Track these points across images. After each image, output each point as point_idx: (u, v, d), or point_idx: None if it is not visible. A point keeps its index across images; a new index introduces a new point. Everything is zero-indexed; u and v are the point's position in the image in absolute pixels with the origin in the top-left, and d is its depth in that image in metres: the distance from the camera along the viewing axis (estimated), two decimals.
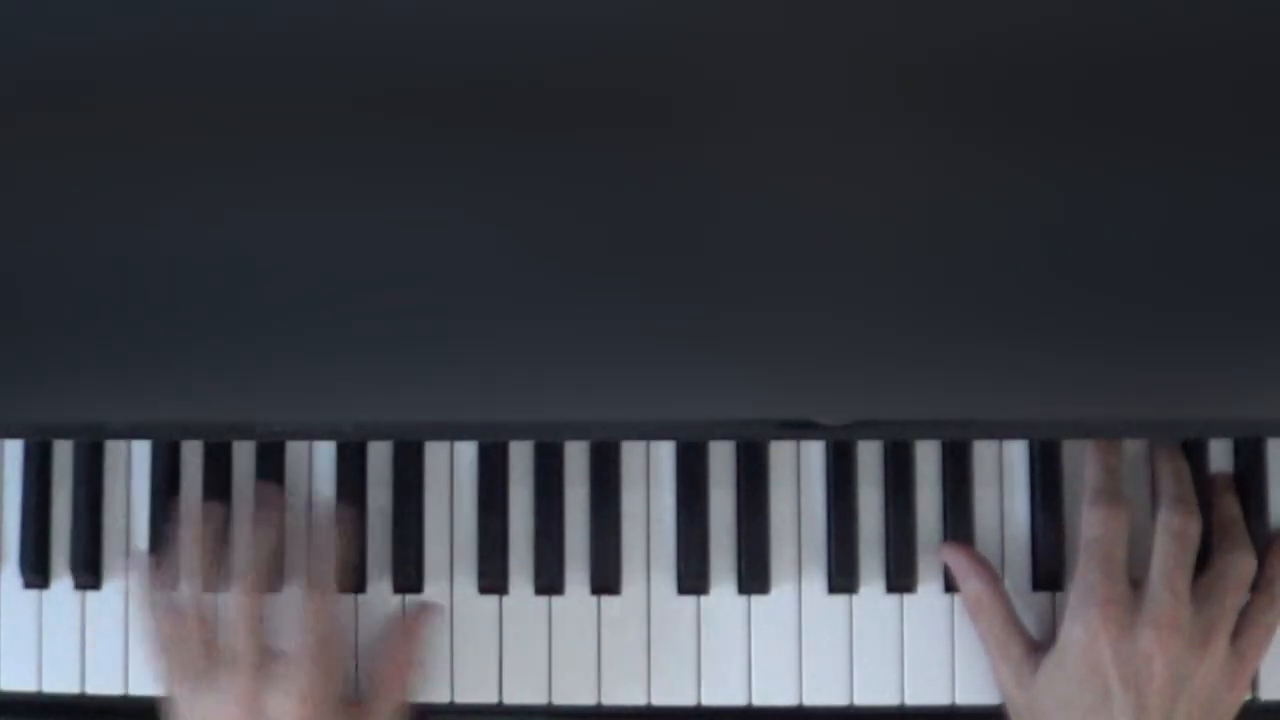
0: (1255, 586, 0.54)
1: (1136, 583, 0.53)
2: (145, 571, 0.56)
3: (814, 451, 0.58)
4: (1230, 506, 0.55)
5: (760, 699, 0.56)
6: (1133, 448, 0.57)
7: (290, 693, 0.52)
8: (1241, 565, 0.53)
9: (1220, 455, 0.57)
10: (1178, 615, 0.51)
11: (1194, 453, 0.57)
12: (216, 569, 0.56)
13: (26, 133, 0.37)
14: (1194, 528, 0.53)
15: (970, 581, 0.55)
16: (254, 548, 0.55)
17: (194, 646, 0.54)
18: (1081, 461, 0.56)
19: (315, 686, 0.52)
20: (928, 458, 0.57)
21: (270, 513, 0.57)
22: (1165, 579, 0.52)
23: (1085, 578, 0.52)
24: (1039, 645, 0.54)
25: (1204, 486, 0.56)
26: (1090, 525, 0.53)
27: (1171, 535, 0.53)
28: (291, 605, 0.54)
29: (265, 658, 0.53)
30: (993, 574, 0.55)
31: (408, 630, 0.56)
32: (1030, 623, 0.56)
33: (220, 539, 0.57)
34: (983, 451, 0.57)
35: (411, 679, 0.56)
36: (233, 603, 0.54)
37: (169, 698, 0.54)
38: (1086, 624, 0.51)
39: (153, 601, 0.56)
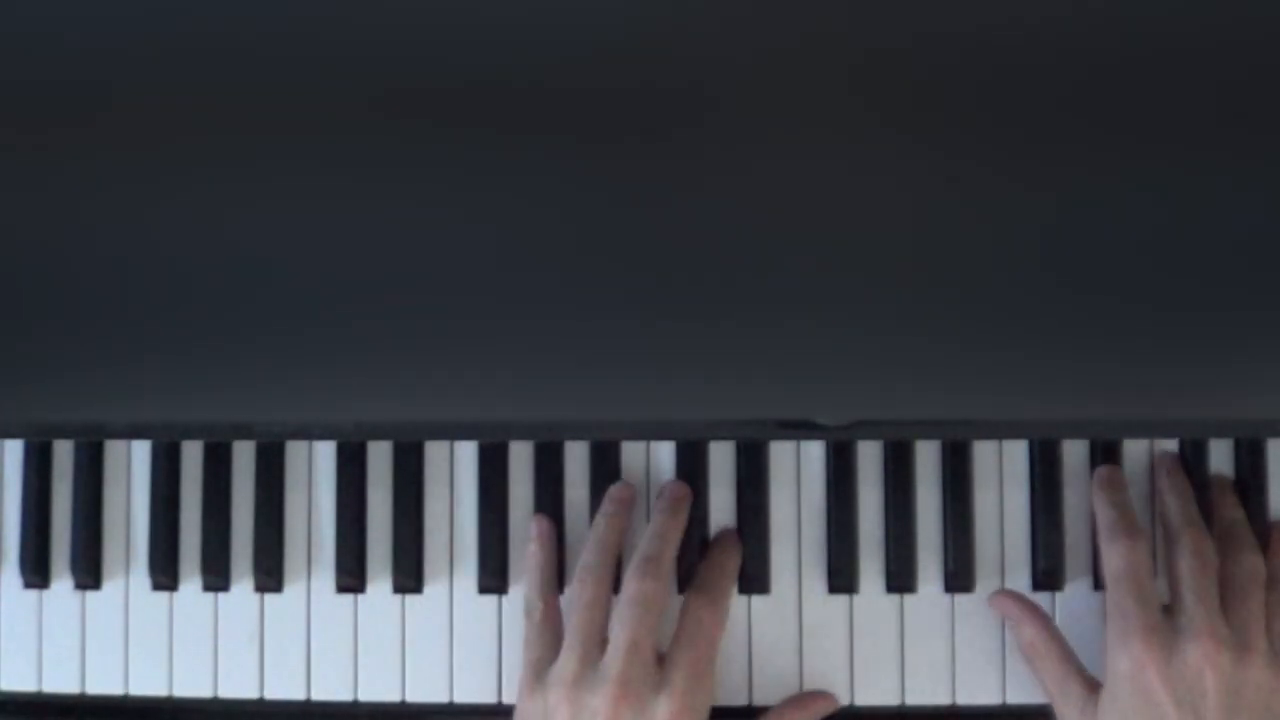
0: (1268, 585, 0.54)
1: (1166, 607, 0.53)
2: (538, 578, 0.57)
3: (814, 451, 0.58)
4: (1233, 509, 0.56)
5: (761, 699, 0.56)
6: (1130, 466, 0.57)
7: (673, 695, 0.52)
8: (1254, 565, 0.53)
9: (1220, 455, 0.57)
10: (1216, 627, 0.51)
11: (1194, 453, 0.57)
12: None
13: (28, 133, 0.37)
14: (1208, 542, 0.54)
15: (1024, 628, 0.55)
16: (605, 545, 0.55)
17: (592, 640, 0.54)
18: (1090, 499, 0.56)
19: (699, 695, 0.52)
20: (928, 458, 0.57)
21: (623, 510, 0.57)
22: (1196, 595, 0.52)
23: (1119, 610, 0.52)
24: (1098, 683, 0.54)
25: (1203, 490, 0.56)
26: (1112, 559, 0.53)
27: (1191, 552, 0.53)
28: (682, 611, 0.54)
29: (659, 657, 0.53)
30: (1045, 618, 0.55)
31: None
32: None
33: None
34: (983, 451, 0.57)
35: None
36: (630, 595, 0.54)
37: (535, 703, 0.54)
38: (1131, 656, 0.51)
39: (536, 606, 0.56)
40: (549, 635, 0.55)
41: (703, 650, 0.53)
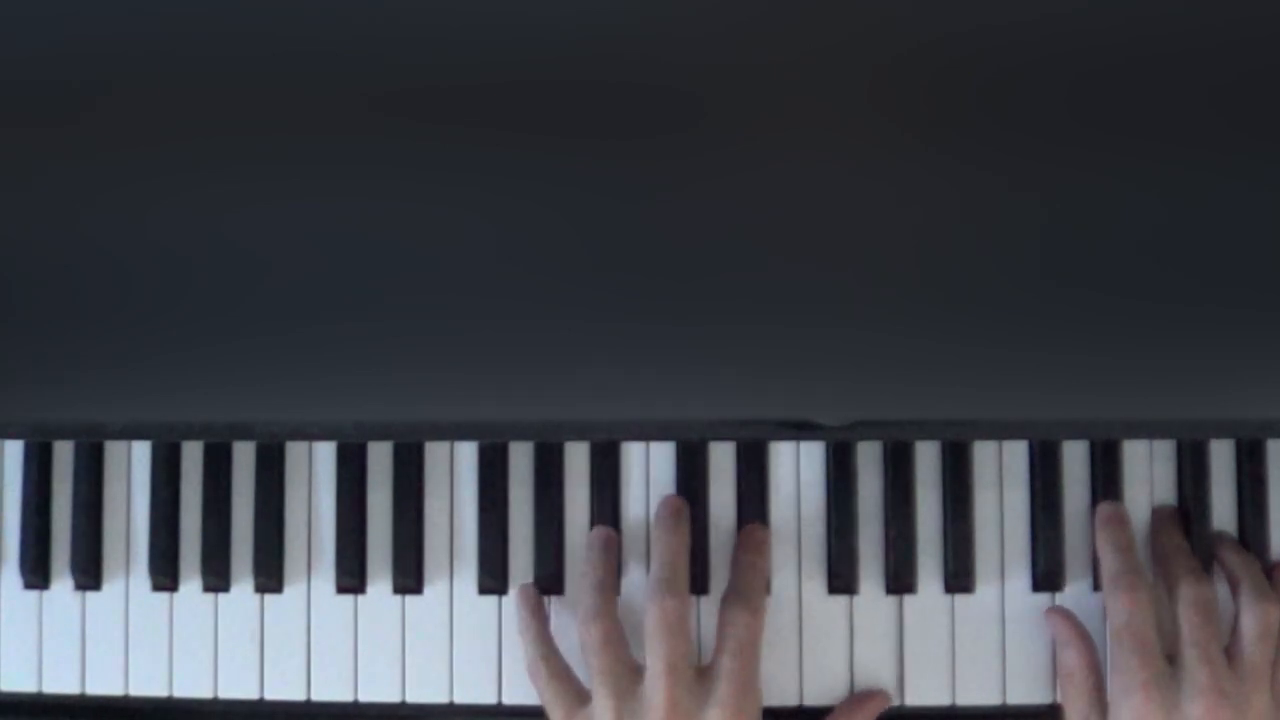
0: None
1: (1170, 657, 0.53)
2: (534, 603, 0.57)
3: (814, 451, 0.58)
4: (1240, 565, 0.55)
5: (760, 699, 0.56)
6: (1130, 464, 0.57)
7: (725, 707, 0.51)
8: (1264, 614, 0.53)
9: (1220, 455, 0.57)
10: (1219, 682, 0.51)
11: (1194, 453, 0.57)
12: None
13: (28, 132, 0.37)
14: (1210, 592, 0.53)
15: (1068, 652, 0.55)
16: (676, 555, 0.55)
17: (622, 660, 0.53)
18: (1090, 536, 0.56)
19: (748, 702, 0.52)
20: (928, 458, 0.57)
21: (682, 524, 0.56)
22: (1198, 649, 0.52)
23: (1123, 665, 0.52)
24: None
25: (1207, 545, 0.56)
26: (1115, 613, 0.53)
27: (1192, 606, 0.53)
28: (721, 621, 0.54)
29: (697, 671, 0.53)
30: (1093, 649, 0.55)
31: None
32: (1030, 624, 0.56)
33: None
34: (983, 451, 0.57)
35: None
36: (655, 620, 0.53)
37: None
38: (1134, 710, 0.51)
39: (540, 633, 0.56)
40: (566, 684, 0.55)
41: (748, 657, 0.53)
